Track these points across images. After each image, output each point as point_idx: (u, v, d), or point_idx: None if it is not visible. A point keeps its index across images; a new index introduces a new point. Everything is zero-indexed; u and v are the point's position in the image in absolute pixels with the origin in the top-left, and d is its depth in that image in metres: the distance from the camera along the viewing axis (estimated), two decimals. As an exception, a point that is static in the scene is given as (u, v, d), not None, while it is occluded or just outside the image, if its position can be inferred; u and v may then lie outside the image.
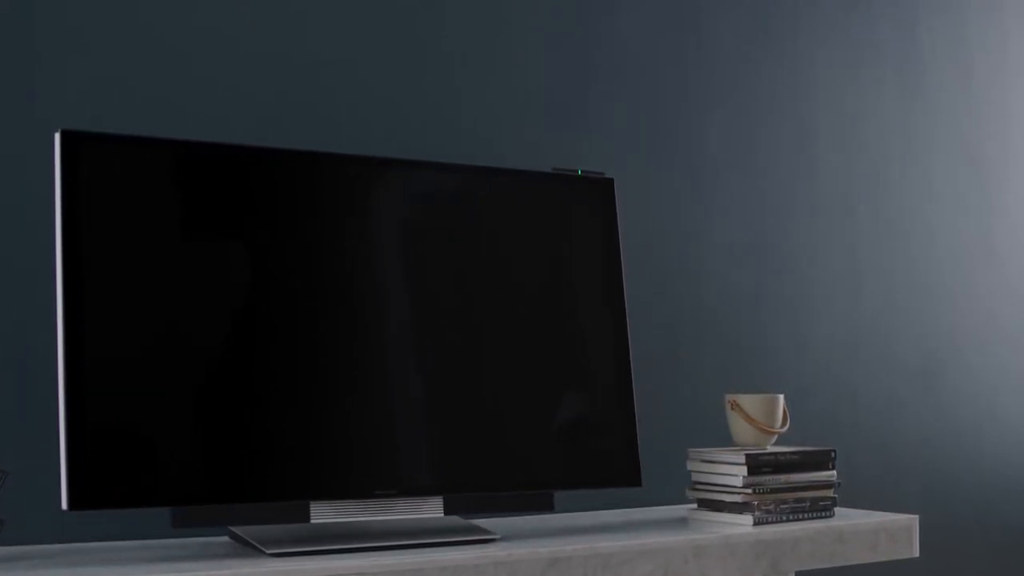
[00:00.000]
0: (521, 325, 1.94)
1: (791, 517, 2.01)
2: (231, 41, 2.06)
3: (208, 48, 2.04)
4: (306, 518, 1.73)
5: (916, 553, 2.08)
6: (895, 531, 2.05)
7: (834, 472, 2.08)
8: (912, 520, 2.08)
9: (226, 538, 1.83)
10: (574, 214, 2.02)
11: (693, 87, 2.55)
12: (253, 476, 1.69)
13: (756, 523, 1.96)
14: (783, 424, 2.11)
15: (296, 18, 2.12)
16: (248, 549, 1.70)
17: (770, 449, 2.06)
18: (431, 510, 1.82)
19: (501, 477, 1.88)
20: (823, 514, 2.05)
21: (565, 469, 1.95)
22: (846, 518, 2.06)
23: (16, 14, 1.89)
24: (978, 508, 2.90)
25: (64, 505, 1.57)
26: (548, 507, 1.92)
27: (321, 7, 2.15)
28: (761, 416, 2.07)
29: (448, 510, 1.83)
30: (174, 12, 2.01)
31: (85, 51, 1.93)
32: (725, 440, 2.17)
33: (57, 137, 1.64)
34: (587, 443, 1.97)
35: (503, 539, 1.81)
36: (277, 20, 2.10)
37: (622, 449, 1.99)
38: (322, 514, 1.74)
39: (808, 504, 2.04)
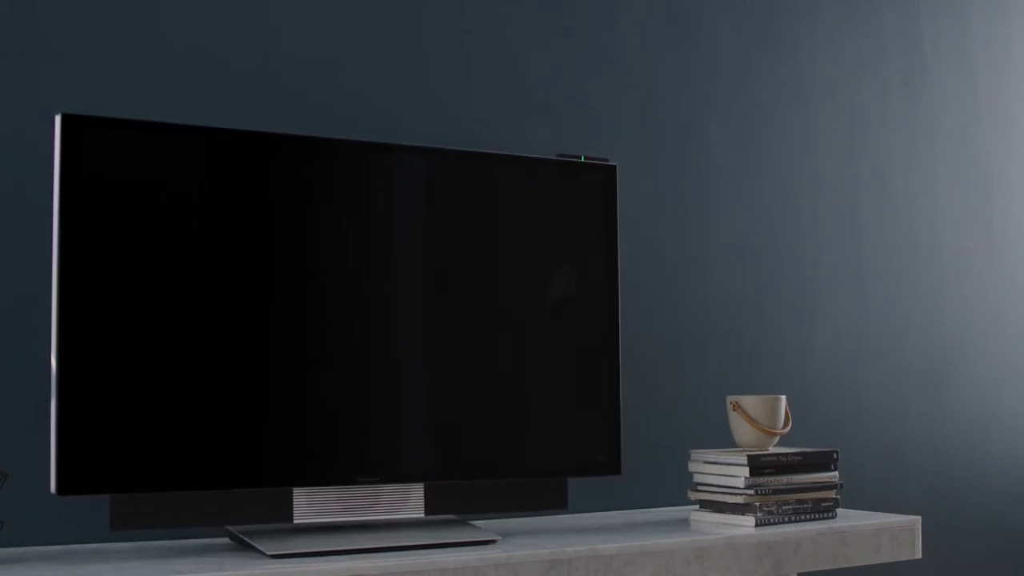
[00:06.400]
0: (515, 309, 1.94)
1: (793, 518, 2.00)
2: (237, 30, 2.05)
3: (212, 36, 2.03)
4: (288, 505, 1.74)
5: (919, 555, 2.08)
6: (898, 533, 2.04)
7: (836, 473, 2.08)
8: (915, 522, 2.07)
9: (226, 539, 1.83)
10: (576, 199, 2.02)
11: (695, 89, 2.55)
12: (236, 463, 1.70)
13: (758, 524, 1.96)
14: (785, 425, 2.10)
15: (304, 9, 2.12)
16: (248, 550, 1.70)
17: (772, 450, 2.05)
18: (413, 498, 1.83)
19: (483, 467, 1.88)
20: (825, 515, 2.05)
21: (546, 459, 1.94)
22: (848, 519, 2.05)
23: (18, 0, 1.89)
24: (981, 510, 2.89)
25: (52, 489, 1.60)
26: (559, 504, 1.92)
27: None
28: (763, 417, 2.07)
29: (429, 498, 1.84)
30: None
31: (88, 36, 1.93)
32: (727, 442, 2.17)
33: (57, 120, 1.64)
34: (570, 433, 1.96)
35: (503, 540, 1.80)
36: (284, 10, 2.10)
37: (603, 438, 1.99)
38: (305, 500, 1.75)
39: (810, 505, 2.03)
